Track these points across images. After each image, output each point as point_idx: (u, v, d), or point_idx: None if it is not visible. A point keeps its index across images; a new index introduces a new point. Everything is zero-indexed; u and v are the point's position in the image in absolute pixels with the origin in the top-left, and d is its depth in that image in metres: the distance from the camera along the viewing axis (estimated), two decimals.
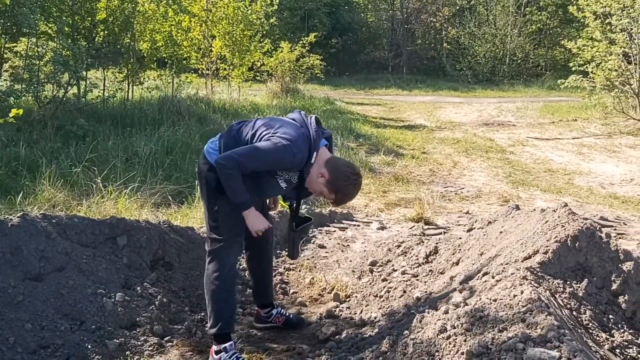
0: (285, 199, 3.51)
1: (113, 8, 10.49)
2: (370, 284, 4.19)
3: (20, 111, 3.57)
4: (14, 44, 9.22)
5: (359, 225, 5.80)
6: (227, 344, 3.05)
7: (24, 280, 3.18)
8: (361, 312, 3.78)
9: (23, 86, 8.69)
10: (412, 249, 4.57)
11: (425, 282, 3.91)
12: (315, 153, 3.01)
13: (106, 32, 10.64)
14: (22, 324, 2.98)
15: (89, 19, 10.37)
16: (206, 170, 3.11)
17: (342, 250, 5.06)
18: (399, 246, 4.71)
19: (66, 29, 9.95)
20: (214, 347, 3.09)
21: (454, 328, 2.47)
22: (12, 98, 8.48)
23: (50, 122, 8.19)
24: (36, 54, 8.87)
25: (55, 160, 6.52)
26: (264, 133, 3.02)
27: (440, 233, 5.32)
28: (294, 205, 3.36)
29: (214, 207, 3.10)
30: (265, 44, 15.11)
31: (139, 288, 3.61)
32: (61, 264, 3.39)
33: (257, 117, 3.38)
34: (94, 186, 5.63)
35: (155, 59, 12.11)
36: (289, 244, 3.47)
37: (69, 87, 9.34)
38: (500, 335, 2.27)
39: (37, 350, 2.92)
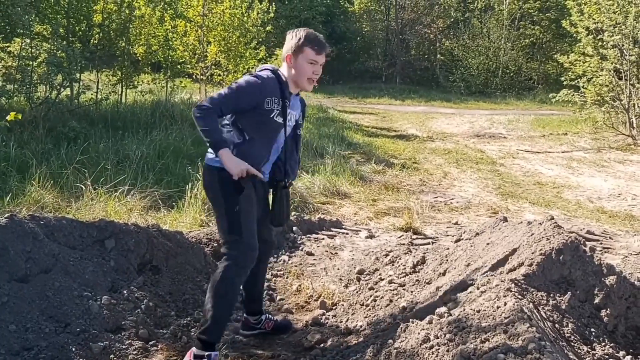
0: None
1: (109, 12, 10.50)
2: (357, 292, 4.20)
3: (20, 115, 3.58)
4: (7, 44, 9.21)
5: (347, 234, 5.82)
6: (212, 353, 3.01)
7: (10, 281, 3.16)
8: (347, 320, 3.79)
9: (15, 86, 8.67)
10: (400, 259, 4.59)
11: (412, 291, 3.93)
12: (280, 73, 3.21)
13: (101, 35, 10.65)
14: (6, 325, 2.96)
15: (85, 21, 10.36)
16: (217, 173, 3.08)
17: (330, 258, 5.07)
18: (386, 255, 4.73)
19: (61, 30, 9.94)
20: (195, 351, 3.03)
21: (437, 338, 2.49)
22: (3, 98, 8.46)
23: (42, 123, 8.17)
24: (30, 54, 8.85)
25: (45, 161, 6.51)
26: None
27: (429, 243, 5.34)
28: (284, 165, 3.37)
29: (236, 207, 3.07)
30: (260, 51, 15.16)
31: (125, 291, 3.60)
32: (48, 266, 3.38)
33: None
34: (84, 188, 5.63)
35: (149, 63, 12.12)
36: (276, 206, 3.32)
37: (62, 89, 9.33)
38: (482, 346, 2.29)
39: (20, 352, 2.90)
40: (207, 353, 3.00)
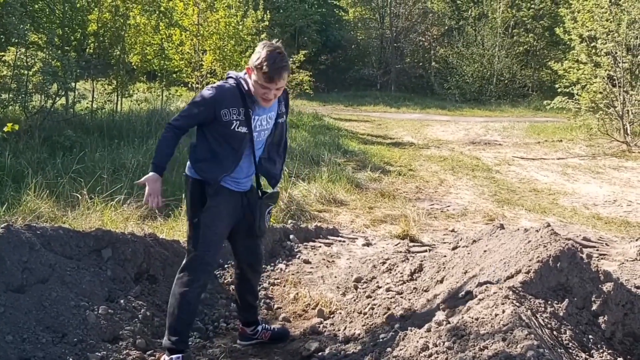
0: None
1: (104, 21, 10.51)
2: (354, 300, 4.20)
3: (17, 126, 3.58)
4: (2, 53, 9.21)
5: (344, 241, 5.82)
6: (174, 356, 3.11)
7: (6, 291, 3.15)
8: (345, 328, 3.78)
9: (10, 96, 8.66)
10: (397, 266, 4.59)
11: (410, 299, 3.92)
12: (244, 81, 3.10)
13: (96, 44, 10.66)
14: (2, 336, 2.95)
15: (80, 30, 10.37)
16: (189, 182, 3.23)
17: (327, 266, 5.07)
18: (384, 263, 4.73)
19: (56, 40, 9.94)
20: (165, 357, 3.14)
21: (436, 346, 2.49)
22: None
23: (37, 133, 8.16)
24: (25, 64, 8.85)
25: (41, 170, 6.49)
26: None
27: (426, 250, 5.34)
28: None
29: (195, 219, 3.15)
30: None
31: (122, 301, 3.59)
32: (44, 276, 3.36)
33: None
34: (80, 198, 5.61)
35: (145, 71, 12.12)
36: (255, 216, 3.28)
37: (57, 98, 9.32)
38: (481, 354, 2.29)
39: None
40: (172, 356, 3.12)
